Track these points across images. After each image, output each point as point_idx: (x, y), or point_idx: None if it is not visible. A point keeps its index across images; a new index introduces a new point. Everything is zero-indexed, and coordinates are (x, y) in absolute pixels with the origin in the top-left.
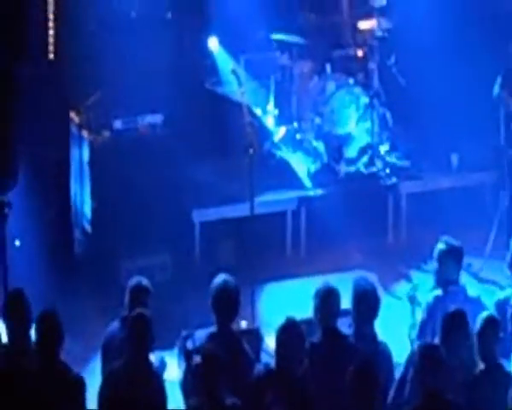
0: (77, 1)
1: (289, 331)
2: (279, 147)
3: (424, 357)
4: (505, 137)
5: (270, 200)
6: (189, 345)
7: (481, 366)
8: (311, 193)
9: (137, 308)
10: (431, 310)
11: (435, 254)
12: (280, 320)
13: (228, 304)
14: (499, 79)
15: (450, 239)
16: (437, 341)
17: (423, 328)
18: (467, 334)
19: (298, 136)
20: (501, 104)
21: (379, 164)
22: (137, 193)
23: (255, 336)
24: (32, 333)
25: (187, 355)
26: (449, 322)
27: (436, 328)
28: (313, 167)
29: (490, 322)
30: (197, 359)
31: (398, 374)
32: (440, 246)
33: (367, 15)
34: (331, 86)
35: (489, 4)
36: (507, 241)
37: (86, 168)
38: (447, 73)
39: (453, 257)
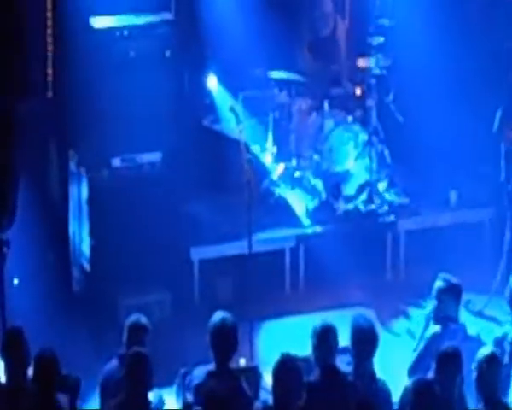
0: (76, 39)
1: (285, 367)
2: (277, 184)
3: (418, 393)
4: (506, 172)
5: (268, 237)
6: (189, 397)
7: (481, 404)
8: (310, 230)
9: (135, 347)
10: (428, 346)
11: (434, 291)
12: None
13: (226, 342)
14: (499, 114)
15: (448, 276)
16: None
17: (419, 363)
18: (460, 372)
19: (296, 173)
20: (501, 139)
21: (377, 201)
22: (136, 231)
23: (254, 373)
24: (30, 372)
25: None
26: (443, 359)
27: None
28: (311, 205)
29: (491, 359)
30: None
31: None
32: (439, 283)
33: (365, 53)
34: (329, 124)
35: (488, 40)
36: (507, 276)
37: (85, 206)
38: (445, 109)
39: (452, 294)
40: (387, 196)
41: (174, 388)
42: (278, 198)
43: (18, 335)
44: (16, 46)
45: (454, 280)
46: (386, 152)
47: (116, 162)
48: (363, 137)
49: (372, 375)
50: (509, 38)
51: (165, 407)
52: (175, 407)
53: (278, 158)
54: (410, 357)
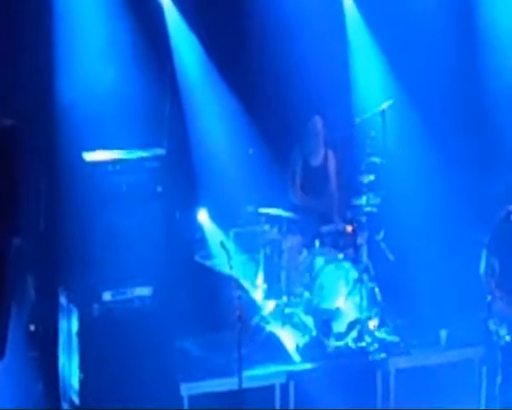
0: (70, 175)
1: None
2: (268, 321)
3: None
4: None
5: (258, 374)
6: None
7: None
8: (300, 367)
9: None
10: None
11: None
12: None
13: None
14: (485, 253)
15: None
16: None
17: None
18: None
19: (287, 310)
20: (484, 279)
21: (368, 339)
22: (126, 365)
23: None
24: None
25: None
26: None
27: None
28: (302, 342)
29: None
30: None
31: None
32: None
33: (355, 191)
34: (320, 261)
35: (473, 184)
36: None
37: (75, 339)
38: (435, 248)
39: None
40: (378, 334)
41: None
42: (269, 334)
43: None
44: (9, 185)
45: None
46: (377, 290)
47: (107, 296)
48: (354, 274)
49: None
50: (495, 183)
51: None
52: None
53: (269, 295)
54: None
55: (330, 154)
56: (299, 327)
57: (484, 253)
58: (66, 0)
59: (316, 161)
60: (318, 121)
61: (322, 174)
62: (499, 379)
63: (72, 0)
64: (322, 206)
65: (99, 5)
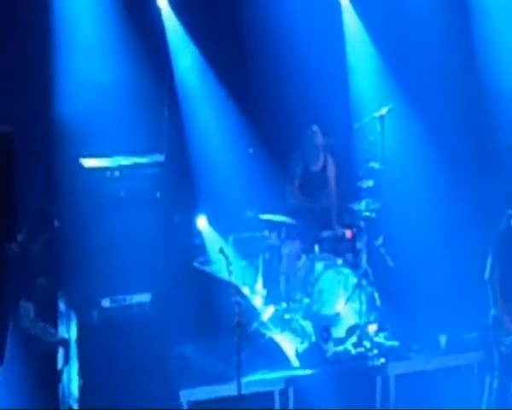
0: (69, 181)
1: None
2: (267, 326)
3: None
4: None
5: (257, 379)
6: None
7: None
8: (299, 373)
9: None
10: None
11: None
12: None
13: None
14: (490, 260)
15: None
16: None
17: None
18: None
19: (286, 316)
20: (490, 286)
21: (367, 344)
22: (125, 372)
23: None
24: None
25: None
26: None
27: None
28: (301, 347)
29: None
30: None
31: None
32: None
33: (355, 196)
34: (319, 266)
35: (479, 188)
36: None
37: (74, 346)
38: (435, 252)
39: None
40: (377, 339)
41: None
42: (268, 340)
43: None
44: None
45: None
46: (376, 295)
47: (106, 303)
48: (353, 280)
49: None
50: (497, 190)
51: None
52: None
53: (268, 300)
54: None
55: (330, 160)
56: (299, 332)
57: (489, 259)
58: (65, 8)
59: (315, 167)
60: (317, 132)
61: (321, 179)
62: (495, 384)
63: (71, 8)
64: (320, 208)
65: (97, 13)
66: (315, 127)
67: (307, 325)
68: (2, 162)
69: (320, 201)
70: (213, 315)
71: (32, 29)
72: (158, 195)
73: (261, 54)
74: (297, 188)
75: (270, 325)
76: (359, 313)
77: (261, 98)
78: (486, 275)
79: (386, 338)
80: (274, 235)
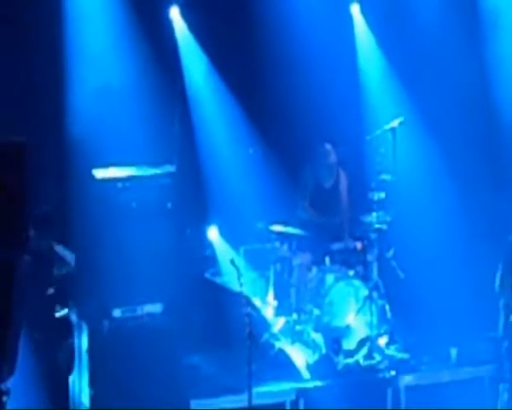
0: (80, 192)
1: None
2: (278, 338)
3: None
4: (503, 328)
5: (268, 391)
6: None
7: None
8: (310, 384)
9: None
10: None
11: None
12: None
13: None
14: (500, 272)
15: None
16: None
17: None
18: None
19: (297, 327)
20: (501, 295)
21: (378, 356)
22: (136, 382)
23: None
24: None
25: None
26: None
27: None
28: (312, 359)
29: None
30: None
31: None
32: None
33: (366, 208)
34: (330, 278)
35: (484, 201)
36: None
37: (85, 356)
38: (446, 265)
39: None
40: (388, 352)
41: None
42: (278, 352)
43: None
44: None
45: None
46: (387, 307)
47: (117, 313)
48: (364, 292)
49: None
50: (508, 200)
51: None
52: None
53: (279, 311)
54: None
55: (342, 174)
56: (309, 344)
57: (499, 272)
58: (76, 21)
59: (328, 184)
60: (330, 151)
61: (333, 195)
62: (506, 396)
63: (82, 21)
64: (332, 224)
65: (109, 26)
66: (328, 146)
67: (318, 337)
68: (16, 173)
69: (332, 216)
70: (224, 326)
71: (44, 42)
72: (169, 206)
73: (273, 65)
74: (309, 203)
75: (281, 337)
76: (370, 326)
77: (272, 110)
78: (496, 287)
79: (397, 350)
80: (285, 247)
